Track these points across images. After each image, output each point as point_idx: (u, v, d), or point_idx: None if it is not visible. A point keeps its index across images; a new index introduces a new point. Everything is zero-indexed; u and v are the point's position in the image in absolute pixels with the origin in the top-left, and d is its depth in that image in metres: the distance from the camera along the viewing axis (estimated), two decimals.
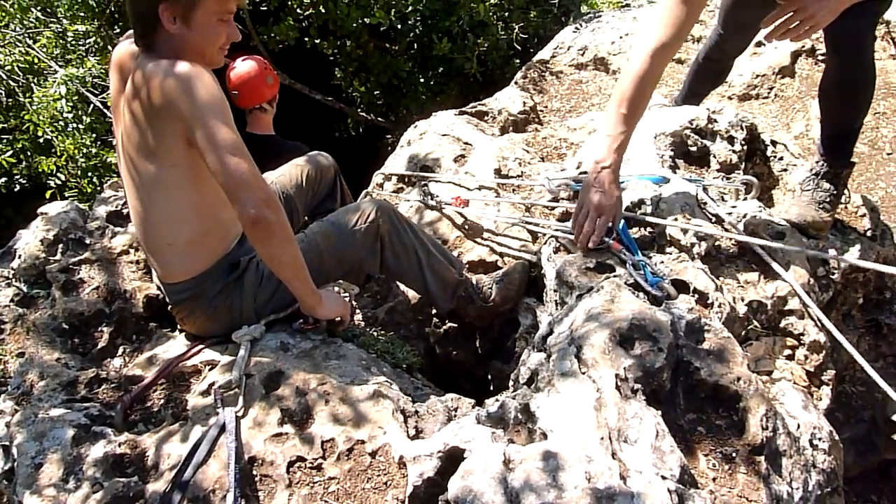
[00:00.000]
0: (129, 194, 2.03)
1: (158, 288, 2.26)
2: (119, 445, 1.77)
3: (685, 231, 2.18)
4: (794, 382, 1.94)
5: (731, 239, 2.22)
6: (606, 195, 2.08)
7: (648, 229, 2.29)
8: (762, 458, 1.58)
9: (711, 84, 3.31)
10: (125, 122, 1.92)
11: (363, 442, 1.72)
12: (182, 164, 1.88)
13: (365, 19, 5.40)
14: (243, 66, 3.53)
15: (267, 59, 4.32)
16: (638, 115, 2.12)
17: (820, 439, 1.72)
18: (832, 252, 2.37)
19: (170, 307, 2.19)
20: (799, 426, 1.71)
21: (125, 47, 2.02)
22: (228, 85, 3.54)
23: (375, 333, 2.45)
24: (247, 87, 3.52)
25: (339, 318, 2.18)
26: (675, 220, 2.19)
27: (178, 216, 1.98)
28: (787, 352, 2.10)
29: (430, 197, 2.95)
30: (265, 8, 5.58)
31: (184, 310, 2.13)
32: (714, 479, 1.54)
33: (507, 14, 5.93)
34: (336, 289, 2.22)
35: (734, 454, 1.59)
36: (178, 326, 2.26)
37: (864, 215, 2.63)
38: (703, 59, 3.09)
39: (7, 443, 1.84)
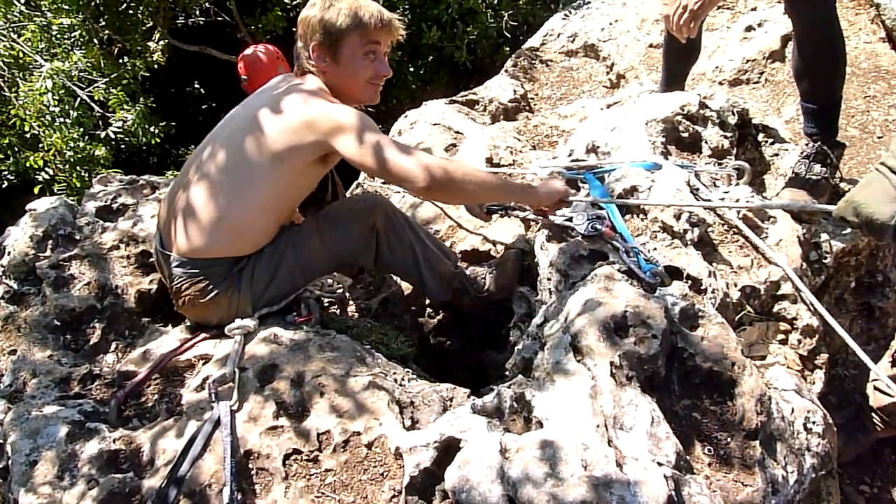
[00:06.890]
0: (208, 161, 2.09)
1: (157, 264, 2.23)
2: (114, 441, 1.76)
3: (678, 217, 2.18)
4: (788, 367, 1.95)
5: (728, 223, 2.23)
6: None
7: (640, 216, 2.29)
8: (757, 442, 1.59)
9: (685, 62, 3.24)
10: (250, 112, 2.07)
11: (359, 433, 1.72)
12: (299, 171, 2.04)
13: None
14: (255, 53, 3.64)
15: None
16: None
17: (814, 423, 1.73)
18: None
19: (171, 285, 2.15)
20: (793, 410, 1.72)
21: None
22: (239, 70, 3.66)
23: (369, 324, 2.45)
24: (256, 74, 3.61)
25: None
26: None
27: (249, 201, 2.04)
28: (781, 336, 2.11)
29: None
30: None
31: (185, 287, 2.10)
32: (709, 465, 1.55)
33: (496, 2, 5.91)
34: (329, 281, 2.22)
35: (729, 439, 1.60)
36: (175, 309, 2.23)
37: None
38: (669, 39, 3.06)
39: (1, 441, 1.82)
